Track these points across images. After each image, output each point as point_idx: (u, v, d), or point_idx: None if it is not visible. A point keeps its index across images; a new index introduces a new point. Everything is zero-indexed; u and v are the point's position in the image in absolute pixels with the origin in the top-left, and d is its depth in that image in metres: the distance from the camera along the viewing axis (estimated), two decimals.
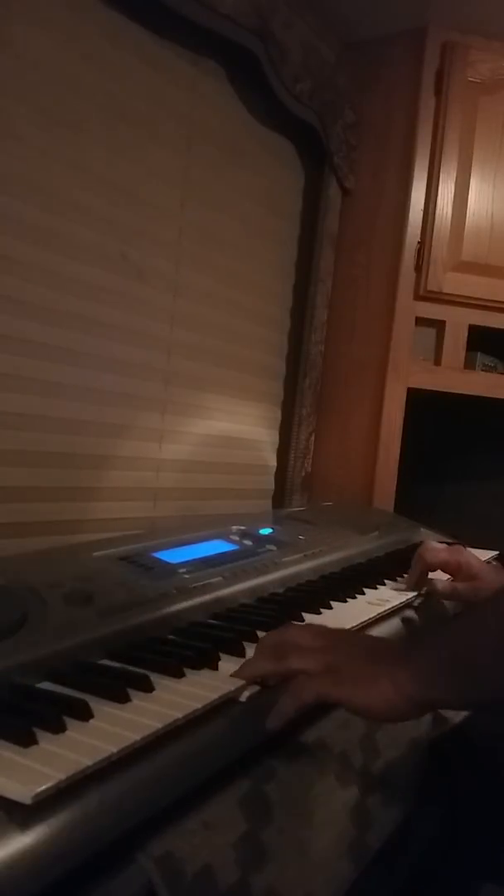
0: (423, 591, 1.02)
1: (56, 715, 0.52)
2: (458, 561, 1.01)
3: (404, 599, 0.97)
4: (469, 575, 1.01)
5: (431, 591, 1.02)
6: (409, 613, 0.96)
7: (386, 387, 1.69)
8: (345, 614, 0.87)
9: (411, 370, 1.70)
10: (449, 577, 1.04)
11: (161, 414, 1.44)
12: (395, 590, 1.02)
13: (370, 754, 0.77)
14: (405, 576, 1.07)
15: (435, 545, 1.04)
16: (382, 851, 0.75)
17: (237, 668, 0.65)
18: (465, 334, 1.72)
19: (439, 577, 1.04)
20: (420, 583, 1.02)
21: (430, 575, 1.04)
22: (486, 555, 1.39)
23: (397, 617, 0.94)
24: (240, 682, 0.62)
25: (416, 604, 1.00)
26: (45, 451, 1.21)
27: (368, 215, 1.76)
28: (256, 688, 0.63)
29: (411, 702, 0.60)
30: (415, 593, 1.01)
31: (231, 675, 0.63)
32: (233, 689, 0.61)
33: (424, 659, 0.62)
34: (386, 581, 1.06)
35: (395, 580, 1.07)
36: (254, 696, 0.62)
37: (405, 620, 0.94)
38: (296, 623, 0.78)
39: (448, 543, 1.44)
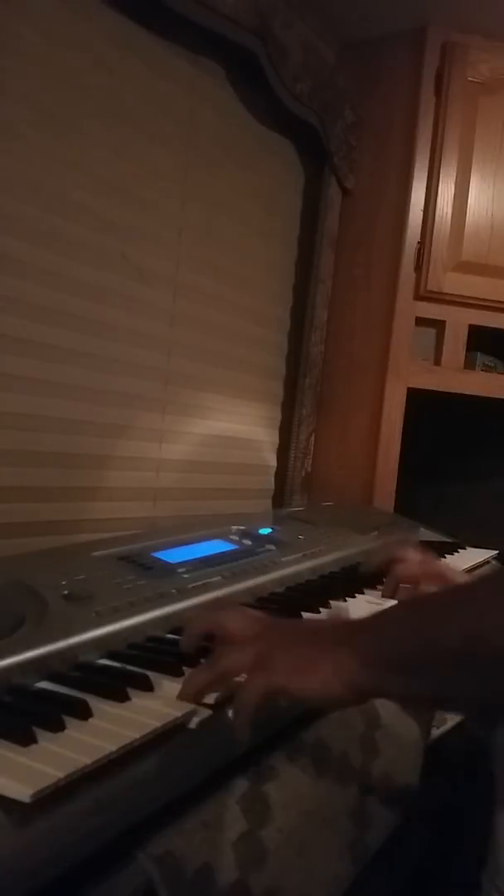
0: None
1: (55, 714, 0.52)
2: (430, 573, 1.00)
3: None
4: (444, 583, 1.00)
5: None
6: None
7: (386, 387, 1.69)
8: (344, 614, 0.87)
9: (411, 370, 1.70)
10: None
11: (161, 414, 1.44)
12: None
13: (370, 754, 0.77)
14: None
15: (409, 557, 1.03)
16: (382, 851, 0.75)
17: None
18: (465, 334, 1.72)
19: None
20: (396, 594, 1.01)
21: None
22: (485, 555, 1.39)
23: None
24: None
25: None
26: (46, 451, 1.21)
27: (368, 215, 1.76)
28: (208, 711, 0.59)
29: (354, 689, 0.56)
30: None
31: (177, 698, 0.59)
32: (232, 690, 0.61)
33: (372, 645, 0.57)
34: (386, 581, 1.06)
35: None
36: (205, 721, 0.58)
37: None
38: (231, 607, 0.72)
39: (445, 542, 1.44)
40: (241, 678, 0.59)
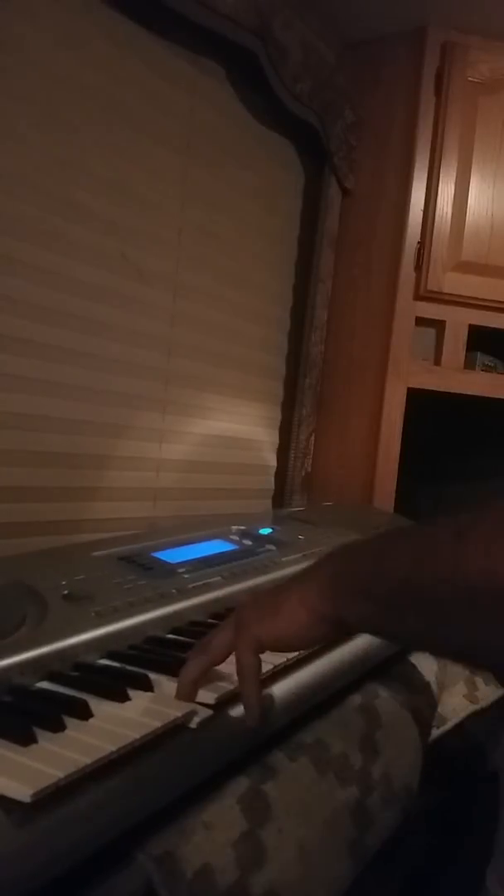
0: None
1: (56, 714, 0.52)
2: None
3: None
4: None
5: None
6: None
7: (386, 387, 1.69)
8: None
9: (411, 370, 1.70)
10: None
11: (161, 414, 1.44)
12: None
13: (370, 754, 0.77)
14: None
15: None
16: (382, 851, 0.75)
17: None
18: (465, 334, 1.72)
19: None
20: None
21: None
22: None
23: None
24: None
25: None
26: (46, 451, 1.21)
27: (368, 215, 1.76)
28: (209, 711, 0.59)
29: (320, 617, 0.56)
30: None
31: (175, 698, 0.60)
32: (232, 687, 0.61)
33: (331, 572, 0.57)
34: None
35: None
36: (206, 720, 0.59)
37: None
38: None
39: None
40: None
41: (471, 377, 1.73)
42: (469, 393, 1.72)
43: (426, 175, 1.67)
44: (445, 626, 0.50)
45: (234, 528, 1.15)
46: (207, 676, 0.61)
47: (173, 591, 0.83)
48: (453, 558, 0.47)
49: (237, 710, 0.60)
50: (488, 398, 1.73)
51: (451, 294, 1.68)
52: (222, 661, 0.61)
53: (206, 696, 0.60)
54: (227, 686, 0.61)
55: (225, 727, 0.59)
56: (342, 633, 0.60)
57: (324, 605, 0.56)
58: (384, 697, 0.84)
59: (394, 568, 0.52)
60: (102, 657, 0.68)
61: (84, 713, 0.54)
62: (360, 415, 1.74)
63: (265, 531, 1.17)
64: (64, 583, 0.77)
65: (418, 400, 1.70)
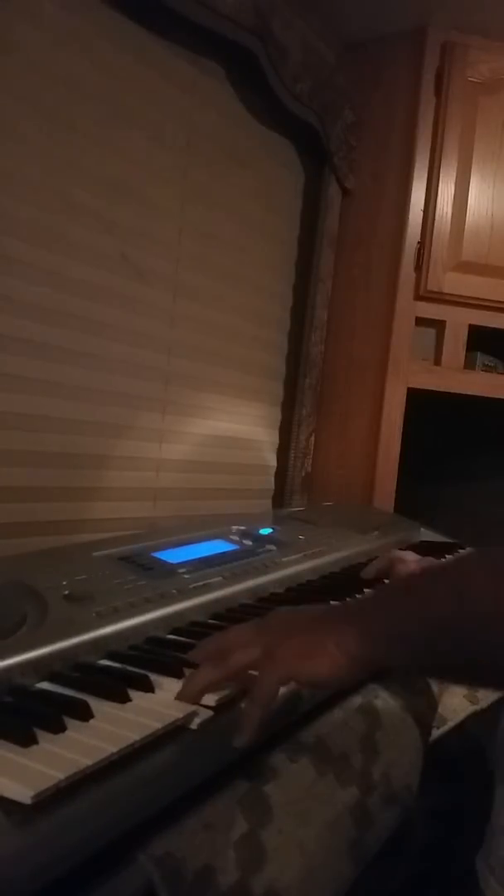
0: None
1: (56, 715, 0.52)
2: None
3: None
4: None
5: None
6: None
7: (386, 387, 1.69)
8: None
9: (411, 370, 1.70)
10: None
11: (161, 414, 1.44)
12: None
13: (370, 754, 0.77)
14: None
15: (407, 558, 1.03)
16: (382, 851, 0.75)
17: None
18: (465, 334, 1.72)
19: None
20: None
21: None
22: None
23: None
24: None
25: None
26: (45, 451, 1.21)
27: (368, 215, 1.76)
28: (209, 712, 0.59)
29: (359, 662, 0.57)
30: None
31: (175, 698, 0.59)
32: (233, 691, 0.61)
33: (368, 618, 0.58)
34: (386, 581, 1.06)
35: None
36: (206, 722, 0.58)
37: None
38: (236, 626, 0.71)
39: (446, 542, 1.44)
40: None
41: (471, 377, 1.73)
42: (469, 393, 1.72)
43: (426, 175, 1.67)
44: (490, 666, 0.52)
45: (235, 528, 1.15)
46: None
47: (174, 591, 0.83)
48: (494, 602, 0.48)
49: (237, 712, 0.60)
50: (488, 398, 1.73)
51: (451, 294, 1.68)
52: (237, 678, 0.61)
53: (208, 697, 0.60)
54: (229, 688, 0.61)
55: (226, 728, 0.59)
56: (375, 673, 0.61)
57: (363, 650, 0.57)
58: (384, 698, 0.84)
59: (434, 612, 0.53)
60: (103, 658, 0.68)
61: (85, 714, 0.54)
62: (360, 415, 1.74)
63: (265, 531, 1.17)
64: (64, 583, 0.77)
65: (418, 400, 1.70)
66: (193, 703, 0.59)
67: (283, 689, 0.60)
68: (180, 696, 0.59)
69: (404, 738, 0.84)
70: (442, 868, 0.92)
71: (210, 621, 0.81)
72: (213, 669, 0.60)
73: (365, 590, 1.01)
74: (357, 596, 0.97)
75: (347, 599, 0.83)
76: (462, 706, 0.99)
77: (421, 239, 1.68)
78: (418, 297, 1.69)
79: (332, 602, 0.91)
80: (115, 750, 0.49)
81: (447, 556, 1.31)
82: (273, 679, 0.58)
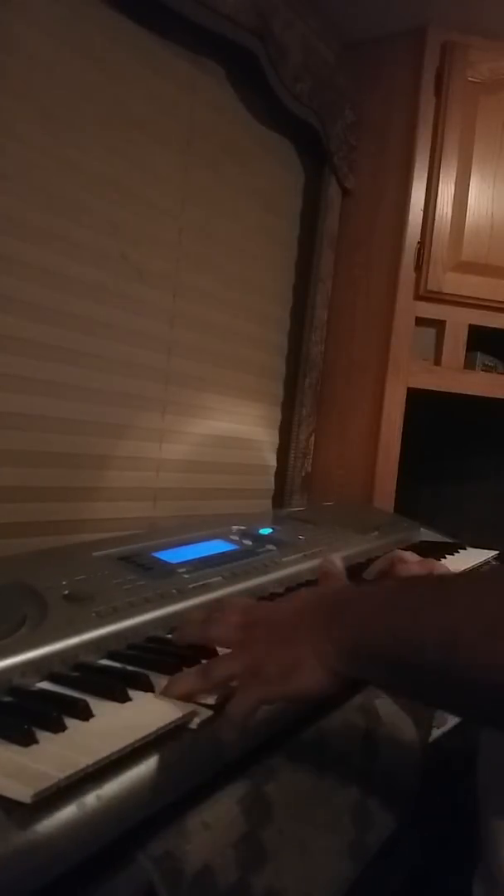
0: None
1: (56, 714, 0.52)
2: (429, 572, 0.99)
3: None
4: None
5: None
6: None
7: (386, 387, 1.69)
8: None
9: (411, 370, 1.70)
10: None
11: (161, 414, 1.44)
12: None
13: (370, 754, 0.77)
14: None
15: (408, 558, 1.03)
16: (382, 851, 0.75)
17: None
18: (465, 334, 1.72)
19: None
20: None
21: None
22: (486, 555, 1.39)
23: None
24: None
25: None
26: (45, 451, 1.21)
27: (368, 215, 1.76)
28: (209, 712, 0.58)
29: (340, 677, 0.56)
30: None
31: (160, 693, 0.59)
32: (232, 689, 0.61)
33: (348, 634, 0.56)
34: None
35: None
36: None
37: None
38: (228, 603, 0.69)
39: (445, 542, 1.44)
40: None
41: (471, 377, 1.73)
42: (469, 393, 1.72)
43: (426, 175, 1.67)
44: (478, 706, 0.52)
45: (235, 528, 1.14)
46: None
47: (173, 591, 0.83)
48: (487, 656, 0.48)
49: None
50: (488, 398, 1.73)
51: (450, 294, 1.68)
52: (216, 690, 0.60)
53: (207, 696, 0.60)
54: (228, 687, 0.61)
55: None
56: (361, 683, 0.60)
57: (345, 667, 0.56)
58: (384, 698, 0.84)
59: (422, 650, 0.51)
60: (103, 657, 0.68)
61: (85, 713, 0.54)
62: (360, 415, 1.74)
63: (265, 531, 1.17)
64: (64, 583, 0.77)
65: (418, 400, 1.70)
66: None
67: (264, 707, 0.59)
68: (163, 692, 0.59)
69: (404, 737, 0.84)
70: (442, 869, 0.91)
71: None
72: (195, 679, 0.59)
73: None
74: None
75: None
76: None
77: (421, 239, 1.68)
78: (418, 297, 1.69)
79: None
80: (115, 749, 0.49)
81: (447, 556, 1.32)
82: (251, 699, 0.57)
